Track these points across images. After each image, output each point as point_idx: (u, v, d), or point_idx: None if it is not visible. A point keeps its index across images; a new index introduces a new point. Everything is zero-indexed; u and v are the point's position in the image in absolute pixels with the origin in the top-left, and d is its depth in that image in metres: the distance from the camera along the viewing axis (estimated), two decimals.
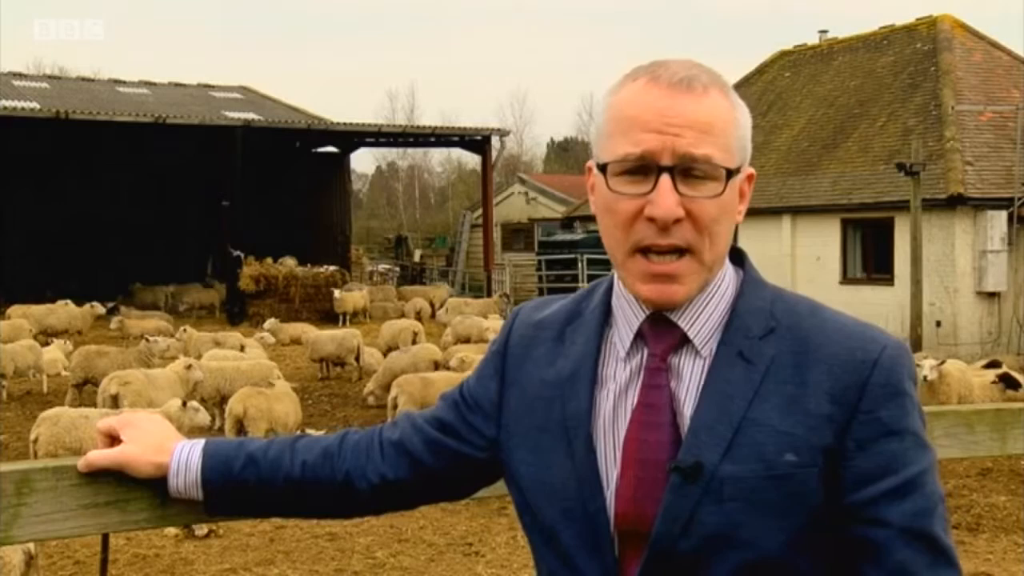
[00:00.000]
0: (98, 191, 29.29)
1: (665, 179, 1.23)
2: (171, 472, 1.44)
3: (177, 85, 35.05)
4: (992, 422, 1.98)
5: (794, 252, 21.56)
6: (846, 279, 20.64)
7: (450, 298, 24.71)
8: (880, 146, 20.86)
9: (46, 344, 15.92)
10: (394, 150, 53.76)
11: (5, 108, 25.13)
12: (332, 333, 16.41)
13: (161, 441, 1.46)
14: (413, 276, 36.25)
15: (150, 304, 24.76)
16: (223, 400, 11.06)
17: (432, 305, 24.38)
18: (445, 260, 40.29)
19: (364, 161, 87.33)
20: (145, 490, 1.46)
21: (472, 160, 46.33)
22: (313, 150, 34.13)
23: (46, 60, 58.92)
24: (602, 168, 1.28)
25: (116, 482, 1.45)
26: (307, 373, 16.11)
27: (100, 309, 20.69)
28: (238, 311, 24.19)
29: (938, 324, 18.12)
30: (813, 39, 27.52)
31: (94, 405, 10.73)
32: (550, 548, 1.32)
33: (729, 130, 1.26)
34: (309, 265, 25.99)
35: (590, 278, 24.31)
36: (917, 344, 15.69)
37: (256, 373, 11.72)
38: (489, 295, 26.91)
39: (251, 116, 28.41)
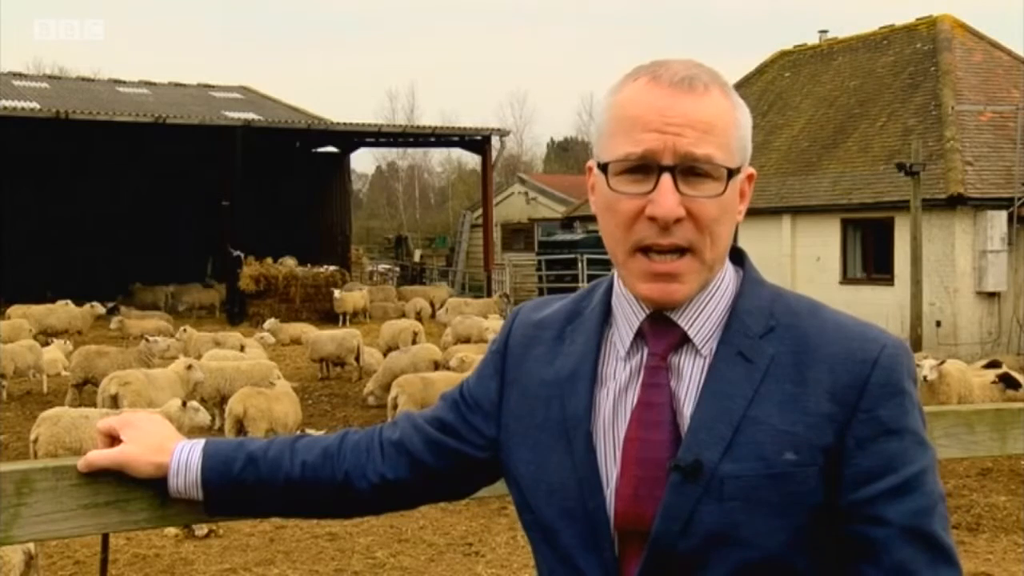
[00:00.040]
0: (98, 191, 29.30)
1: (666, 178, 1.23)
2: (171, 472, 1.44)
3: (177, 85, 35.05)
4: (992, 422, 1.98)
5: (794, 252, 21.57)
6: (846, 279, 20.65)
7: (450, 298, 24.71)
8: (880, 146, 20.86)
9: (46, 344, 15.92)
10: (394, 150, 53.82)
11: (5, 108, 25.13)
12: (332, 333, 16.41)
13: (161, 441, 1.46)
14: (413, 276, 36.24)
15: (150, 304, 24.76)
16: (223, 400, 11.06)
17: (432, 305, 24.38)
18: (445, 260, 40.30)
19: (364, 161, 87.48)
20: (145, 490, 1.46)
21: (472, 160, 46.38)
22: (313, 150, 34.14)
23: (46, 60, 59.06)
24: (603, 167, 1.28)
25: (116, 482, 1.45)
26: (307, 373, 16.11)
27: (100, 309, 20.69)
28: (238, 311, 24.19)
29: (938, 324, 18.12)
30: (813, 39, 27.56)
31: (94, 405, 10.73)
32: (550, 547, 1.32)
33: (730, 130, 1.27)
34: (309, 265, 25.99)
35: (590, 278, 24.30)
36: (917, 344, 15.69)
37: (256, 373, 11.72)
38: (489, 295, 26.91)
39: (251, 116, 28.42)
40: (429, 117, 78.98)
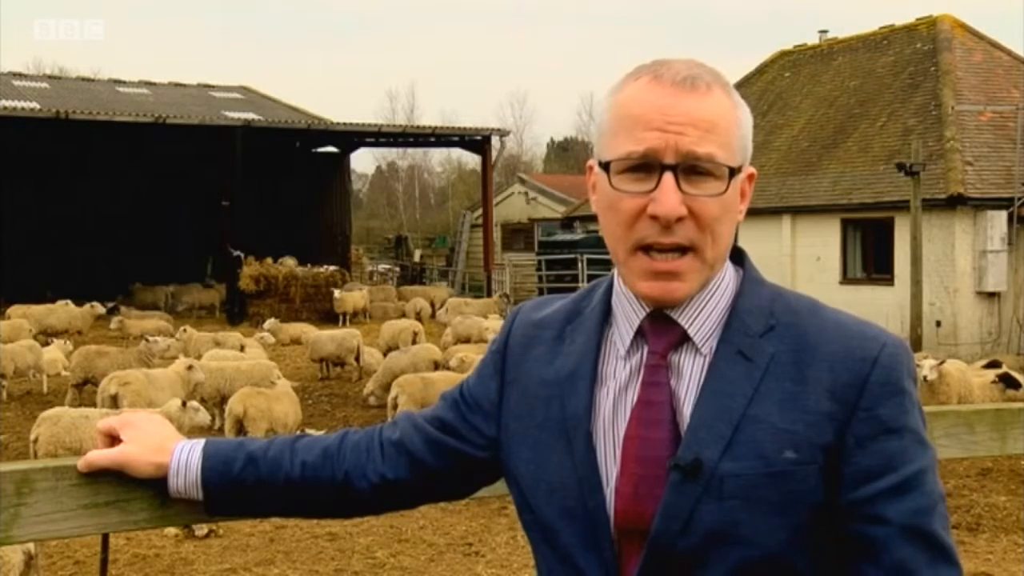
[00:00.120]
0: (98, 191, 29.30)
1: (668, 177, 1.23)
2: (171, 472, 1.44)
3: (177, 85, 35.05)
4: (992, 422, 1.98)
5: (794, 252, 21.57)
6: (846, 279, 20.65)
7: (450, 298, 24.70)
8: (880, 146, 20.87)
9: (46, 344, 15.91)
10: (394, 150, 53.82)
11: (5, 108, 25.13)
12: (332, 333, 16.41)
13: (161, 441, 1.46)
14: (413, 276, 36.23)
15: (150, 304, 24.76)
16: (223, 400, 11.06)
17: (432, 305, 24.38)
18: (445, 260, 40.30)
19: (364, 161, 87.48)
20: (145, 490, 1.46)
21: (472, 160, 46.38)
22: (313, 150, 34.14)
23: (46, 60, 59.01)
24: (604, 166, 1.28)
25: (116, 482, 1.45)
26: (307, 373, 16.11)
27: (100, 309, 20.69)
28: (238, 311, 24.19)
29: (938, 324, 18.12)
30: (813, 39, 27.57)
31: (94, 405, 10.73)
32: (550, 546, 1.32)
33: (731, 129, 1.27)
34: (309, 265, 25.99)
35: (590, 278, 24.30)
36: (917, 344, 15.69)
37: (256, 373, 11.73)
38: (489, 295, 26.91)
39: (251, 116, 28.42)
40: (429, 117, 79.14)
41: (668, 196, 1.22)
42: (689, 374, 1.28)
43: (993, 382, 10.41)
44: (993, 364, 12.36)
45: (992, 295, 18.46)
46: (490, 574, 6.78)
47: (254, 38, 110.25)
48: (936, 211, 18.11)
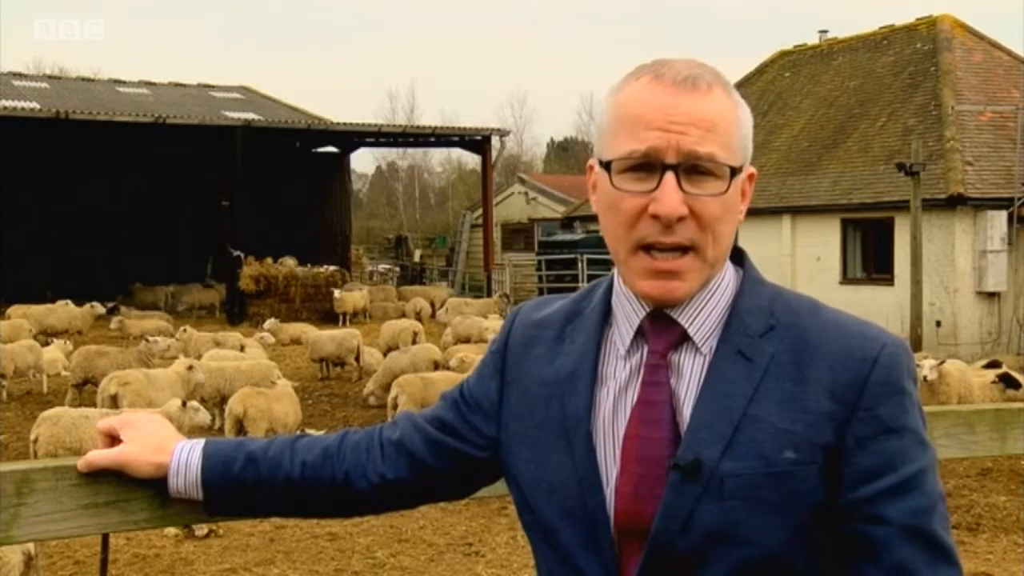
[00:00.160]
0: (98, 191, 29.30)
1: (669, 177, 1.23)
2: (171, 472, 1.44)
3: (177, 85, 35.05)
4: (992, 422, 1.98)
5: (794, 252, 21.57)
6: (846, 279, 20.65)
7: (450, 298, 24.70)
8: (880, 146, 20.87)
9: (46, 344, 15.91)
10: (394, 150, 53.82)
11: (5, 108, 25.13)
12: (332, 333, 16.41)
13: (161, 441, 1.46)
14: (413, 276, 36.23)
15: (150, 304, 24.76)
16: (223, 400, 11.06)
17: (432, 305, 24.38)
18: (445, 260, 40.30)
19: (364, 161, 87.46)
20: (145, 490, 1.46)
21: (472, 160, 46.38)
22: (313, 150, 34.14)
23: (46, 60, 58.95)
24: (605, 166, 1.28)
25: (116, 482, 1.45)
26: (307, 373, 16.11)
27: (100, 309, 20.69)
28: (238, 311, 24.19)
29: (938, 324, 18.12)
30: (813, 39, 27.57)
31: (94, 405, 10.73)
32: (550, 546, 1.32)
33: (732, 129, 1.27)
34: (309, 265, 25.98)
35: (590, 278, 24.30)
36: (917, 344, 15.69)
37: (256, 373, 11.73)
38: (489, 295, 26.91)
39: (251, 116, 28.42)
40: (429, 117, 79.12)
41: (669, 196, 1.22)
42: (689, 374, 1.28)
43: (993, 382, 10.41)
44: (993, 364, 12.36)
45: (992, 295, 18.46)
46: (490, 574, 6.78)
47: (254, 38, 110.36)
48: (936, 211, 18.12)
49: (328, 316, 23.30)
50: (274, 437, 1.52)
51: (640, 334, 1.31)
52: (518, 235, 39.56)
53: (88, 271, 27.13)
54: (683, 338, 1.29)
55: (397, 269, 36.66)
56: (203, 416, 9.07)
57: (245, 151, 25.72)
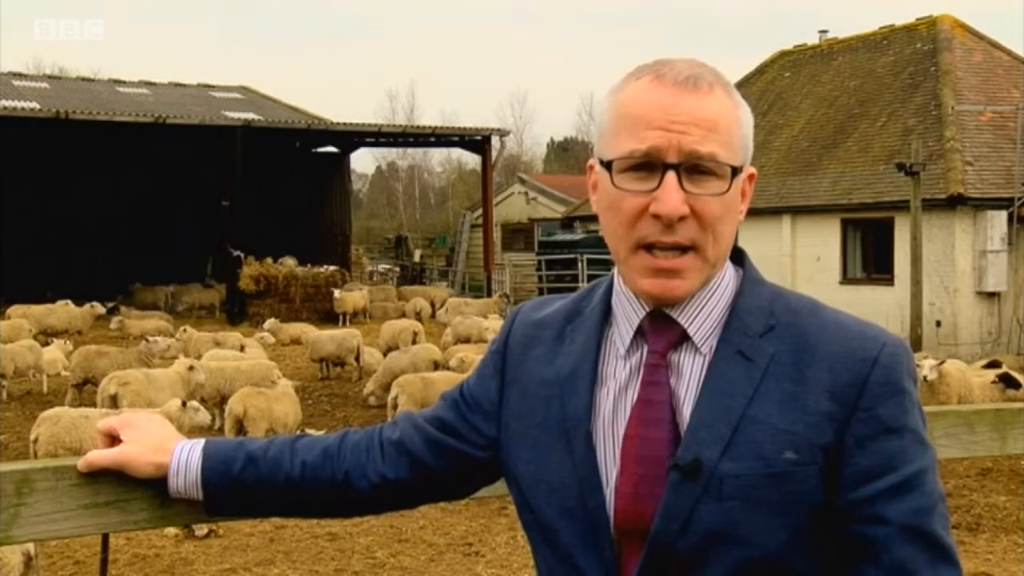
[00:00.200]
0: (98, 191, 29.30)
1: (671, 176, 1.23)
2: (171, 472, 1.44)
3: (177, 85, 35.04)
4: (992, 422, 1.98)
5: (794, 252, 21.57)
6: (846, 279, 20.65)
7: (450, 298, 24.70)
8: (880, 146, 20.87)
9: (46, 344, 15.91)
10: (394, 150, 53.82)
11: (5, 108, 25.13)
12: (332, 333, 16.41)
13: (161, 441, 1.46)
14: (413, 276, 36.24)
15: (150, 304, 24.76)
16: (223, 400, 11.06)
17: (432, 305, 24.38)
18: (445, 260, 40.30)
19: (364, 161, 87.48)
20: (145, 490, 1.46)
21: (472, 160, 46.37)
22: (313, 150, 34.14)
23: (46, 60, 58.95)
24: (606, 165, 1.28)
25: (116, 482, 1.45)
26: (307, 373, 16.11)
27: (100, 309, 20.69)
28: (238, 311, 24.19)
29: (938, 324, 18.12)
30: (813, 39, 27.57)
31: (94, 405, 10.73)
32: (550, 546, 1.32)
33: (733, 128, 1.27)
34: (309, 265, 25.99)
35: (590, 278, 24.30)
36: (917, 344, 15.69)
37: (256, 373, 11.73)
38: (489, 295, 26.91)
39: (251, 116, 28.42)
40: (429, 117, 79.13)
41: (671, 195, 1.23)
42: (689, 374, 1.28)
43: (993, 382, 10.41)
44: (993, 364, 12.36)
45: (992, 295, 18.46)
46: (490, 574, 6.78)
47: (254, 38, 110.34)
48: (936, 211, 18.12)
49: (328, 316, 23.30)
50: (274, 437, 1.52)
51: (640, 334, 1.32)
52: (518, 235, 39.56)
53: (88, 271, 27.13)
54: (683, 338, 1.29)
55: (397, 269, 36.66)
56: (203, 416, 9.07)
57: (245, 151, 25.72)
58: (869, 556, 1.22)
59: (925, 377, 9.88)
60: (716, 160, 1.24)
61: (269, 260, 25.40)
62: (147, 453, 1.44)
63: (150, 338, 13.84)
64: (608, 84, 1.34)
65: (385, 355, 14.94)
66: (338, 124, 29.29)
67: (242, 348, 14.92)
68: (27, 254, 27.61)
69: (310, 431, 5.50)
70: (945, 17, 23.01)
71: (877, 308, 17.74)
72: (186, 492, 1.44)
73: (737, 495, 1.21)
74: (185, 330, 16.08)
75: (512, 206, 40.48)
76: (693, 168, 1.23)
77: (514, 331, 1.45)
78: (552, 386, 1.35)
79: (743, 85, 25.94)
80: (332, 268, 26.21)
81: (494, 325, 17.39)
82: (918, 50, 22.69)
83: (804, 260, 21.32)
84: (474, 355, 12.51)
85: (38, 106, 25.99)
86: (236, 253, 24.50)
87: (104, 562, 4.15)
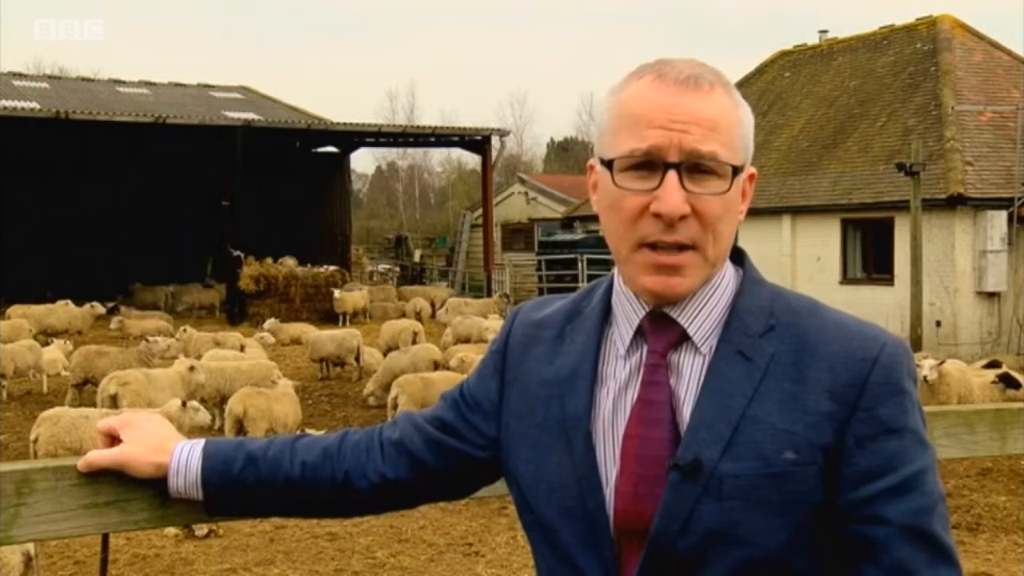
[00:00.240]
0: (98, 191, 29.30)
1: (672, 175, 1.23)
2: (171, 472, 1.44)
3: (177, 85, 35.04)
4: (992, 422, 1.98)
5: (794, 252, 21.57)
6: (846, 279, 20.65)
7: (450, 298, 24.70)
8: (880, 146, 20.87)
9: (46, 344, 15.91)
10: (394, 150, 53.82)
11: (5, 108, 25.13)
12: (332, 333, 16.41)
13: (161, 441, 1.46)
14: (413, 276, 36.23)
15: (150, 304, 24.76)
16: (223, 400, 11.06)
17: (432, 305, 24.38)
18: (445, 260, 40.30)
19: (364, 161, 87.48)
20: (145, 490, 1.46)
21: (472, 160, 46.37)
22: (313, 150, 34.14)
23: (46, 60, 58.95)
24: (607, 164, 1.28)
25: (116, 482, 1.45)
26: (307, 373, 16.10)
27: (100, 309, 20.69)
28: (238, 311, 24.19)
29: (938, 324, 18.12)
30: (813, 39, 27.58)
31: (94, 405, 10.73)
32: (550, 546, 1.32)
33: (734, 128, 1.27)
34: (309, 265, 25.98)
35: (590, 278, 24.29)
36: (917, 344, 15.69)
37: (256, 373, 11.72)
38: (489, 295, 26.91)
39: (251, 116, 28.42)
40: (429, 117, 79.13)
41: (672, 194, 1.23)
42: (689, 373, 1.28)
43: (993, 382, 10.41)
44: (993, 364, 12.36)
45: (992, 295, 18.46)
46: (490, 574, 6.78)
47: (254, 38, 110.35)
48: (936, 211, 18.12)
49: (328, 316, 23.30)
50: (274, 437, 1.52)
51: (640, 334, 1.32)
52: (518, 235, 39.56)
53: (88, 271, 27.13)
54: (683, 338, 1.29)
55: (397, 269, 36.66)
56: (203, 416, 9.07)
57: (245, 151, 25.72)
58: (869, 556, 1.22)
59: (925, 377, 9.88)
60: (717, 159, 1.24)
61: (269, 260, 25.40)
62: (147, 453, 1.44)
63: (150, 338, 13.83)
64: (608, 84, 1.34)
65: (385, 355, 14.94)
66: (338, 124, 29.29)
67: (242, 348, 14.92)
68: (27, 254, 27.61)
69: (310, 431, 5.50)
70: (945, 17, 23.01)
71: (877, 308, 17.74)
72: (186, 492, 1.44)
73: (737, 495, 1.21)
74: (185, 330, 16.08)
75: (512, 206, 40.48)
76: (694, 167, 1.24)
77: (514, 331, 1.45)
78: (552, 386, 1.35)
79: (743, 85, 25.93)
80: (332, 268, 26.21)
81: (494, 325, 17.39)
82: (918, 50, 22.69)
83: (804, 260, 21.32)
84: (474, 355, 12.51)
85: (38, 106, 25.99)
86: (236, 253, 24.50)
87: (104, 562, 4.15)
